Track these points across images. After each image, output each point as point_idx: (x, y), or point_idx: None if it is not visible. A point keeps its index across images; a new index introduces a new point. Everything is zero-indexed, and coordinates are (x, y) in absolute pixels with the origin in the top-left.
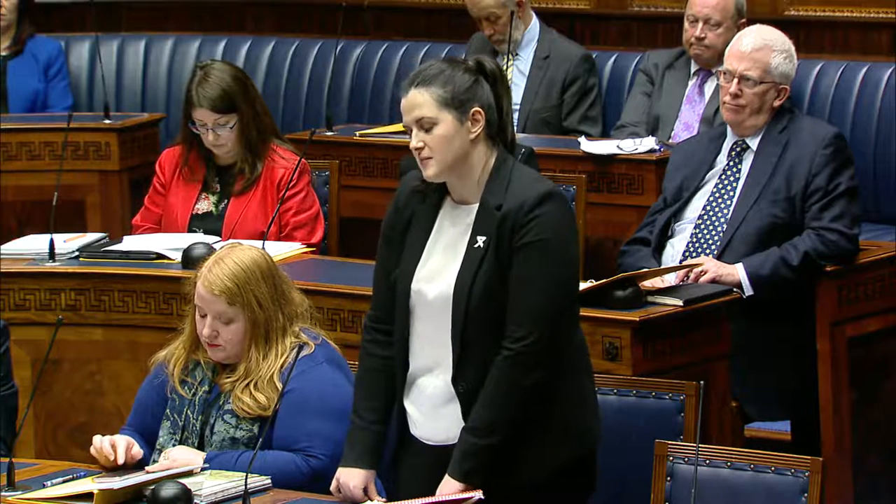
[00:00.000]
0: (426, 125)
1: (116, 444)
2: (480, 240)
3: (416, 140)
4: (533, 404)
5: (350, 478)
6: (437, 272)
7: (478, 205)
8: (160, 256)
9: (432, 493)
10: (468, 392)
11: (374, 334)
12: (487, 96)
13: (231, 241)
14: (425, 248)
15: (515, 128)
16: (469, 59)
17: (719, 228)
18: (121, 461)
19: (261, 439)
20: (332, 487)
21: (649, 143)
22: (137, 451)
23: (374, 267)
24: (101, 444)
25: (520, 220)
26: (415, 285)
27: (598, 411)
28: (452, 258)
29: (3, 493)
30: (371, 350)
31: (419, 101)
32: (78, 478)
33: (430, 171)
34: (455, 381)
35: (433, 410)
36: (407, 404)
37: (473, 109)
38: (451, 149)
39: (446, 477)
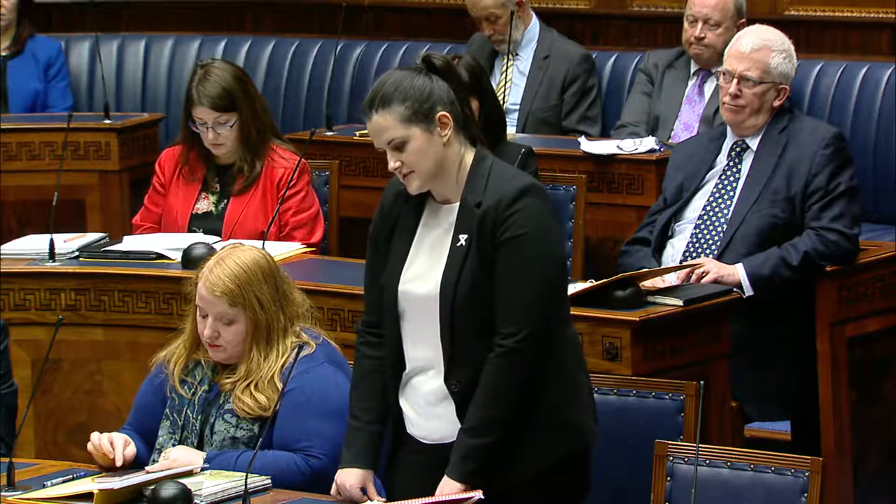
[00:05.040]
0: (398, 145)
1: (114, 442)
2: (462, 238)
3: (392, 161)
4: (526, 400)
5: (348, 478)
6: (423, 273)
7: (458, 203)
8: (160, 256)
9: (429, 492)
10: (462, 391)
11: (367, 336)
12: (447, 94)
13: (232, 241)
14: (410, 249)
15: (515, 128)
16: (418, 62)
17: (719, 228)
18: (119, 462)
19: (261, 439)
20: (333, 491)
21: (649, 143)
22: (131, 450)
23: (364, 271)
24: (100, 440)
25: (499, 216)
26: (401, 287)
27: (593, 410)
28: (437, 258)
29: (3, 493)
30: (365, 352)
31: (383, 124)
32: (78, 478)
33: (413, 186)
34: (448, 379)
35: (428, 409)
36: (402, 403)
37: (439, 114)
38: (428, 160)
39: (445, 478)
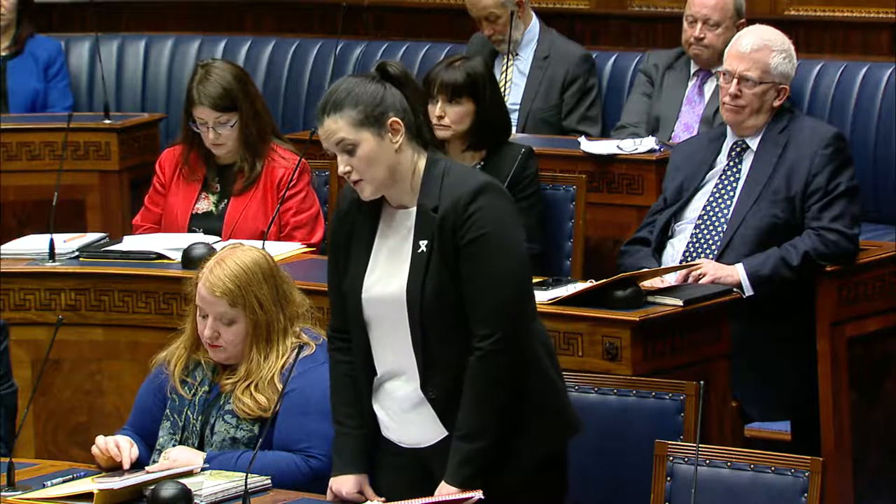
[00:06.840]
0: (347, 147)
1: (120, 444)
2: (423, 244)
3: (342, 165)
4: (513, 399)
5: (343, 485)
6: (386, 279)
7: (415, 209)
8: (160, 256)
9: (411, 490)
10: (439, 397)
11: (338, 343)
12: (400, 102)
13: (232, 241)
14: (370, 256)
15: (515, 128)
16: (373, 69)
17: (719, 228)
18: (126, 465)
19: (261, 439)
20: (329, 498)
21: (649, 143)
22: (135, 452)
23: (327, 279)
24: (105, 444)
25: (458, 218)
26: (365, 294)
27: (567, 398)
28: (399, 264)
29: (3, 493)
30: (338, 357)
31: (334, 127)
32: (78, 478)
33: (366, 193)
34: (424, 387)
35: (403, 415)
36: (376, 408)
37: (390, 120)
38: (379, 166)
39: (443, 483)
